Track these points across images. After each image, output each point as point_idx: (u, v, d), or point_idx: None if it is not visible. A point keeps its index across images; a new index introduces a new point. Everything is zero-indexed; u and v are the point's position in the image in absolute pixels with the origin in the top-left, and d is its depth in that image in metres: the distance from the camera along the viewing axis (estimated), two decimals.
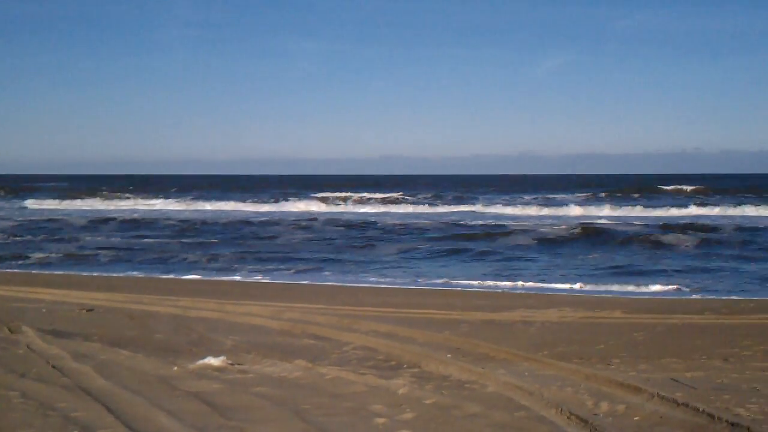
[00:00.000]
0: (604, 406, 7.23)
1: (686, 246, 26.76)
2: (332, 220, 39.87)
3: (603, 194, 68.10)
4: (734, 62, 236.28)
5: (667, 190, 72.75)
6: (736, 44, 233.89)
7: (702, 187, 75.41)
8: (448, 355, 9.86)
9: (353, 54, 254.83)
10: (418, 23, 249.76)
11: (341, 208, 55.07)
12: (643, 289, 17.36)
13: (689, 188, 73.21)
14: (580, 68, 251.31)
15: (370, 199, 63.23)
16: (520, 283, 18.40)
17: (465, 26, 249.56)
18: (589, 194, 67.21)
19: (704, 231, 32.08)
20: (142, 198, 64.62)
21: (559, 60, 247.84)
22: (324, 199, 62.82)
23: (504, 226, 36.03)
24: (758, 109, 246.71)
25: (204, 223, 38.59)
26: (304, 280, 19.45)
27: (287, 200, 61.14)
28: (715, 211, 46.71)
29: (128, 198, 65.59)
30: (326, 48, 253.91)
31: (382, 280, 19.29)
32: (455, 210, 51.65)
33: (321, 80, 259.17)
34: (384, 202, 61.17)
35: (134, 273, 20.82)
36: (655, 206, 51.94)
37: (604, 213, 46.53)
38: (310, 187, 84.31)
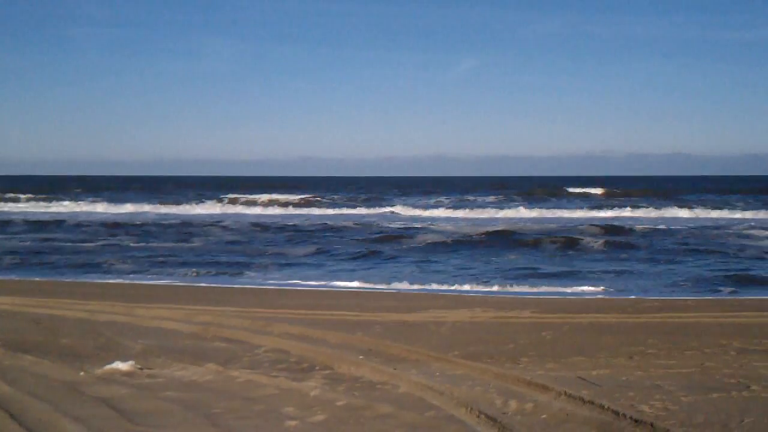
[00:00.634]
0: (513, 404, 7.35)
1: (595, 247, 27.35)
2: (246, 223, 39.54)
3: (516, 196, 69.27)
4: (640, 66, 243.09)
5: (576, 192, 74.22)
6: (642, 49, 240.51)
7: (611, 189, 77.25)
8: (361, 357, 9.87)
9: (269, 54, 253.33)
10: (332, 24, 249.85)
11: (255, 210, 54.64)
12: (553, 289, 17.71)
13: (599, 191, 74.92)
14: (491, 71, 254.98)
15: (285, 201, 62.90)
16: (434, 285, 18.54)
17: (379, 28, 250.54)
18: (501, 196, 68.21)
19: (613, 232, 32.92)
20: (43, 201, 62.77)
21: (471, 63, 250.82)
22: (236, 201, 62.27)
23: (419, 228, 36.33)
24: (666, 112, 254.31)
25: (115, 225, 37.79)
26: (217, 282, 19.25)
27: (201, 202, 60.40)
28: (625, 213, 47.89)
29: (31, 200, 63.86)
30: (241, 47, 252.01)
31: (296, 282, 19.21)
32: (371, 212, 51.81)
33: (236, 80, 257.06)
34: (299, 204, 60.98)
35: (39, 276, 20.25)
36: (566, 208, 53.06)
37: (517, 215, 47.32)
38: (224, 189, 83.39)
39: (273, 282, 19.32)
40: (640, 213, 47.30)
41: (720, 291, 17.32)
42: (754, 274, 20.03)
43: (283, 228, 36.43)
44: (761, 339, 10.84)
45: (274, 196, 66.51)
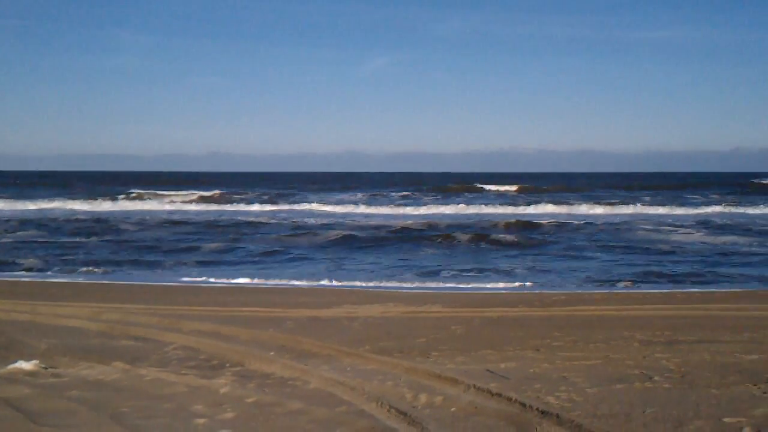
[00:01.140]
0: (423, 398, 7.42)
1: (507, 242, 27.77)
2: (156, 219, 38.92)
3: (431, 192, 69.81)
4: (545, 65, 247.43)
5: (491, 189, 75.19)
6: (550, 47, 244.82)
7: (524, 185, 78.54)
8: (272, 353, 9.82)
9: (177, 48, 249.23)
10: (243, 20, 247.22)
11: (166, 206, 53.77)
12: (464, 284, 17.92)
13: (513, 187, 76.06)
14: (402, 69, 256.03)
15: (197, 197, 62.06)
16: (346, 281, 18.55)
17: (290, 24, 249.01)
18: (417, 192, 68.68)
19: (525, 228, 33.50)
20: None
21: (382, 60, 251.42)
22: (145, 197, 61.20)
23: (333, 223, 36.31)
24: (572, 110, 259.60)
25: (22, 222, 36.72)
26: (125, 280, 18.88)
27: (112, 198, 59.05)
28: (538, 209, 48.55)
29: None
30: (149, 41, 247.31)
31: (207, 279, 18.97)
32: (285, 208, 51.51)
33: (144, 74, 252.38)
34: (211, 199, 60.27)
35: None
36: (480, 203, 53.68)
37: (431, 211, 47.65)
38: (133, 184, 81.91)
39: (183, 279, 19.03)
40: (553, 209, 48.10)
41: (627, 285, 17.75)
42: (658, 269, 20.59)
43: (194, 224, 35.97)
44: (663, 331, 11.16)
45: (185, 192, 65.60)
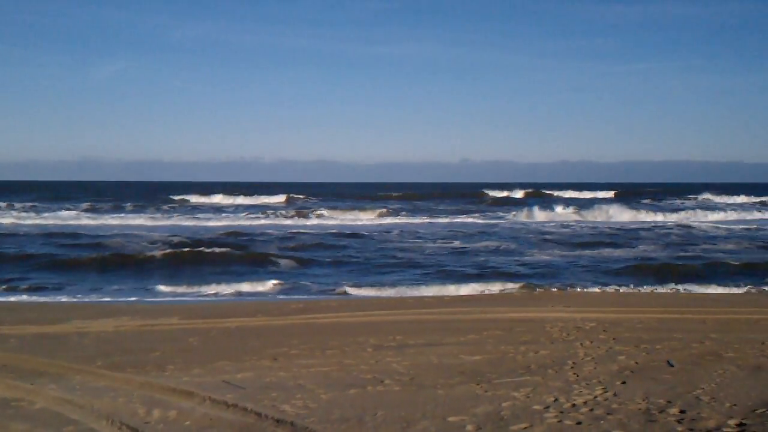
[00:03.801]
0: (156, 413, 7.26)
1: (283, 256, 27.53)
2: None
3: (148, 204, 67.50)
4: (293, 74, 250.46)
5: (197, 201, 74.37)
6: (293, 59, 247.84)
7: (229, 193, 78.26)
8: None
9: None
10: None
11: None
12: (201, 296, 17.72)
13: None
14: (139, 74, 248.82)
15: None
16: (78, 295, 17.77)
17: (23, 27, 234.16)
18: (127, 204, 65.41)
19: (238, 241, 33.45)
20: None
21: (118, 66, 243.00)
22: None
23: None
24: (312, 120, 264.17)
25: None
26: None
27: None
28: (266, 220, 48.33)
29: None
30: None
31: None
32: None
33: None
34: None
35: None
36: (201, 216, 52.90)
37: (147, 222, 46.46)
38: None
39: None
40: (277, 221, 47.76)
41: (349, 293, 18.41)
42: (399, 277, 21.41)
43: None
44: (395, 335, 11.63)
45: None
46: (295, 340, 11.33)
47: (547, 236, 34.58)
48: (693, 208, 58.03)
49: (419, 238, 33.97)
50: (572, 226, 41.88)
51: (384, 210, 55.14)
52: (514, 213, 52.13)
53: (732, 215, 52.52)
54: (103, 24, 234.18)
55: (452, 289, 18.72)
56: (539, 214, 49.81)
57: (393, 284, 19.68)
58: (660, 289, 18.92)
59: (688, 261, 24.58)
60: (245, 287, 19.06)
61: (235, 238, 32.89)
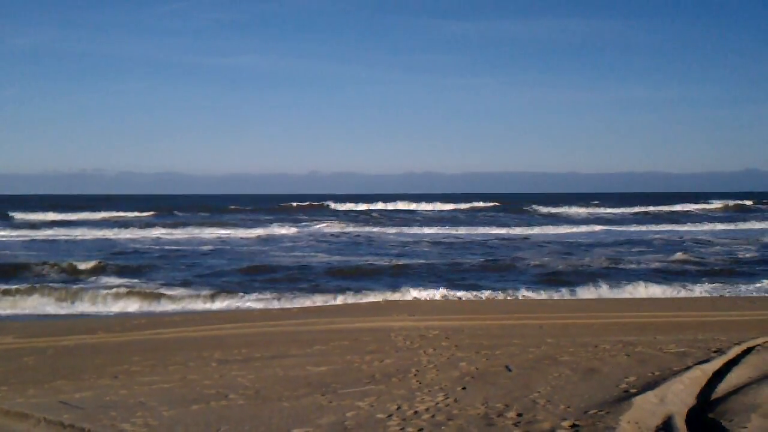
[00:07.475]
0: None
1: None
2: None
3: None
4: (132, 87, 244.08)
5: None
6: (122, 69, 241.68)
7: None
8: None
9: None
10: None
11: None
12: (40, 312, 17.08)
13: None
14: None
15: None
16: None
17: None
18: None
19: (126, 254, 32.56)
20: None
21: None
22: None
23: None
24: (156, 131, 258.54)
25: None
26: None
27: None
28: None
29: None
30: None
31: None
32: None
33: None
34: None
35: None
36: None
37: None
38: None
39: None
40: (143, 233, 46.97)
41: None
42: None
43: None
44: (241, 349, 11.53)
45: None
46: (137, 357, 11.06)
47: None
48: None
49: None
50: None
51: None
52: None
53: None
54: None
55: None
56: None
57: None
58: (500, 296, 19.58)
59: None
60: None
61: None
